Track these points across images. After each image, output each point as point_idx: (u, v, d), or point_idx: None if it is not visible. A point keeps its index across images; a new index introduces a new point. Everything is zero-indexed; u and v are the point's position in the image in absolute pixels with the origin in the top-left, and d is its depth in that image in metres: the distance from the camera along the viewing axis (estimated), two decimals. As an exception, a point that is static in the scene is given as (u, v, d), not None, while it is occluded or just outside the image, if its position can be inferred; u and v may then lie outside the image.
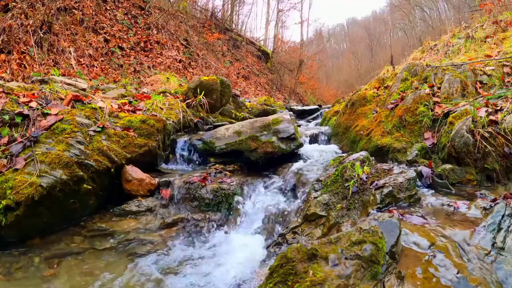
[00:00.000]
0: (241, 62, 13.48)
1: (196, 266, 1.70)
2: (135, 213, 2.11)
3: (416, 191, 1.78)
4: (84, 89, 3.14)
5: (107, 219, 2.06)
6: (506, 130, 1.97)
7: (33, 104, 2.23)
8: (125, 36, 7.59)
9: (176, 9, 10.66)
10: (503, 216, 1.37)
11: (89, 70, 5.92)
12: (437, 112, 2.48)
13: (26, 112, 2.13)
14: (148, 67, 7.46)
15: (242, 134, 2.89)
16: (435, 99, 2.63)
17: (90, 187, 2.02)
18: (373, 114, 3.14)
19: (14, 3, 5.35)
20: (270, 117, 3.08)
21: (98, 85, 4.53)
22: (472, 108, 2.22)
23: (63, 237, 1.86)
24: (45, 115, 2.18)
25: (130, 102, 3.18)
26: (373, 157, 2.35)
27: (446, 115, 2.37)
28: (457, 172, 2.07)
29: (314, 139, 3.73)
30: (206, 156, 2.92)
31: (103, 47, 6.72)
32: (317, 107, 7.15)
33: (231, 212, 2.20)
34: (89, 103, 2.51)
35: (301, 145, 2.94)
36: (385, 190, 1.75)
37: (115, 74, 6.41)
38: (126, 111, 2.77)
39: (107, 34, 7.10)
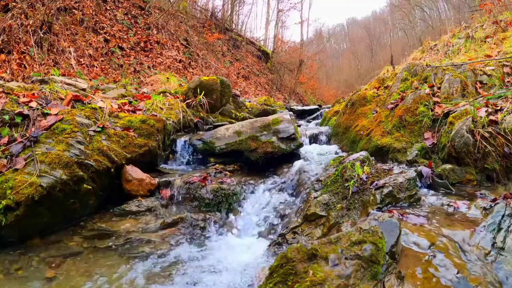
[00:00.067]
0: (241, 62, 13.48)
1: (196, 266, 1.70)
2: (135, 213, 2.11)
3: (416, 191, 1.78)
4: (84, 89, 3.14)
5: (107, 219, 2.06)
6: (506, 130, 1.97)
7: (33, 104, 2.23)
8: (125, 36, 7.59)
9: (176, 9, 10.66)
10: (503, 216, 1.37)
11: (89, 70, 5.92)
12: (437, 112, 2.48)
13: (26, 112, 2.13)
14: (148, 67, 7.46)
15: (242, 134, 2.89)
16: (435, 99, 2.63)
17: (90, 187, 2.02)
18: (373, 114, 3.14)
19: (14, 3, 5.35)
20: (270, 117, 3.08)
21: (98, 85, 4.53)
22: (472, 108, 2.22)
23: (63, 237, 1.86)
24: (45, 115, 2.18)
25: (130, 102, 3.18)
26: (373, 157, 2.35)
27: (446, 115, 2.37)
28: (457, 172, 2.07)
29: (314, 139, 3.73)
30: (206, 156, 2.92)
31: (103, 47, 6.72)
32: (317, 107, 7.15)
33: (231, 212, 2.20)
34: (89, 103, 2.51)
35: (301, 145, 2.94)
36: (385, 190, 1.75)
37: (115, 74, 6.41)
38: (126, 111, 2.77)
39: (107, 34, 7.10)
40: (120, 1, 8.43)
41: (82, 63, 5.93)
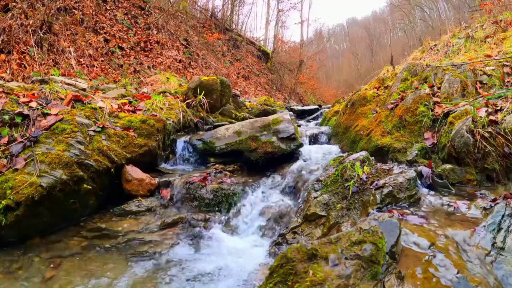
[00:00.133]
0: (241, 62, 13.48)
1: (196, 266, 1.70)
2: (135, 213, 2.11)
3: (416, 191, 1.78)
4: (84, 89, 3.14)
5: (107, 219, 2.06)
6: (506, 130, 1.97)
7: (33, 104, 2.23)
8: (125, 36, 7.59)
9: (176, 9, 10.66)
10: (503, 216, 1.37)
11: (89, 70, 5.92)
12: (437, 112, 2.48)
13: (26, 112, 2.13)
14: (148, 67, 7.46)
15: (242, 134, 2.89)
16: (435, 99, 2.63)
17: (90, 187, 2.02)
18: (373, 114, 3.14)
19: (14, 3, 5.35)
20: (270, 117, 3.08)
21: (98, 85, 4.53)
22: (472, 108, 2.22)
23: (63, 237, 1.86)
24: (45, 115, 2.18)
25: (130, 102, 3.18)
26: (373, 157, 2.35)
27: (446, 115, 2.36)
28: (457, 172, 2.07)
29: (314, 139, 3.73)
30: (206, 156, 2.92)
31: (103, 47, 6.72)
32: (317, 107, 7.15)
33: (231, 212, 2.20)
34: (89, 103, 2.51)
35: (301, 145, 2.94)
36: (385, 190, 1.75)
37: (115, 74, 6.41)
38: (126, 111, 2.77)
39: (107, 34, 7.10)
40: (120, 1, 8.43)
41: (82, 63, 5.93)
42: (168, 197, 2.25)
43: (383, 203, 1.72)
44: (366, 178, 1.90)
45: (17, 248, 1.73)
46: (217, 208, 2.21)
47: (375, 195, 1.75)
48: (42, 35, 5.24)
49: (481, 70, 2.81)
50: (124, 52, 7.21)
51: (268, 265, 1.48)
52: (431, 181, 2.01)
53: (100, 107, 2.51)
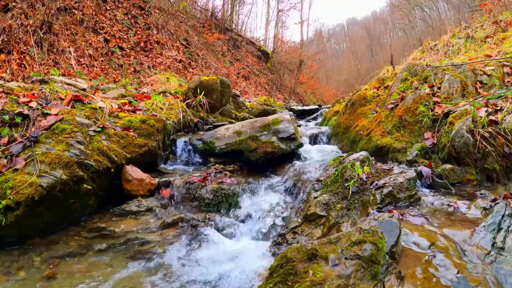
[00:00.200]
0: (241, 62, 13.48)
1: (195, 266, 1.70)
2: (135, 213, 2.11)
3: (416, 191, 1.78)
4: (84, 89, 3.14)
5: (107, 219, 2.06)
6: (506, 130, 1.97)
7: (33, 104, 2.23)
8: (125, 36, 7.59)
9: (176, 9, 10.66)
10: (503, 216, 1.37)
11: (89, 70, 5.92)
12: (437, 112, 2.48)
13: (26, 112, 2.13)
14: (148, 67, 7.46)
15: (242, 134, 2.89)
16: (435, 99, 2.63)
17: (90, 187, 2.02)
18: (373, 114, 3.14)
19: (14, 3, 5.35)
20: (270, 117, 3.08)
21: (98, 85, 4.53)
22: (472, 108, 2.22)
23: (63, 237, 1.86)
24: (45, 115, 2.18)
25: (130, 102, 3.18)
26: (373, 157, 2.35)
27: (446, 115, 2.37)
28: (457, 172, 2.07)
29: (314, 139, 3.73)
30: (206, 156, 2.92)
31: (103, 47, 6.72)
32: (317, 107, 7.15)
33: (231, 212, 2.20)
34: (89, 103, 2.51)
35: (301, 145, 2.94)
36: (385, 190, 1.75)
37: (115, 74, 6.41)
38: (126, 111, 2.77)
39: (107, 34, 7.10)
40: (120, 1, 8.43)
41: (82, 63, 5.93)
42: (168, 197, 2.25)
43: (383, 203, 1.72)
44: (366, 178, 1.90)
45: (17, 248, 1.73)
46: (217, 208, 2.21)
47: (375, 195, 1.75)
48: (42, 35, 5.24)
49: (481, 70, 2.81)
50: (124, 52, 7.21)
51: (268, 265, 1.48)
52: (431, 181, 2.01)
53: (100, 107, 2.51)
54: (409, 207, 1.70)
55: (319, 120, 5.28)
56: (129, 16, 8.32)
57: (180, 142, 3.00)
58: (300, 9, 25.87)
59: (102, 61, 6.47)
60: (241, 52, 14.15)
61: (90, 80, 5.28)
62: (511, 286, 1.11)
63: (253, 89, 12.35)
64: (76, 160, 1.97)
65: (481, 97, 2.48)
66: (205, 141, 2.91)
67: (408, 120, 2.60)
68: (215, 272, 1.64)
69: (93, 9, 7.15)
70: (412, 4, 22.69)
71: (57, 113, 2.19)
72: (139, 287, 1.51)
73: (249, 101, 5.50)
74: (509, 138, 1.95)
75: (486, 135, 2.01)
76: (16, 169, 1.79)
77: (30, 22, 5.15)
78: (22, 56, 4.87)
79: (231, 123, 3.59)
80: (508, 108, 2.11)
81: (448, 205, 1.67)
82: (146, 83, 6.22)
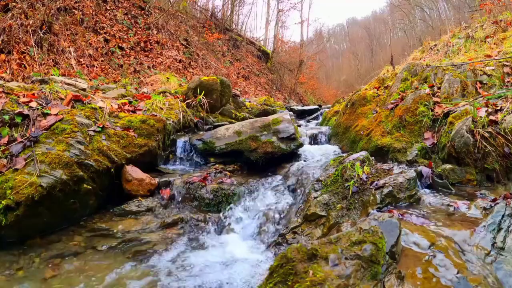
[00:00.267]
0: (241, 62, 13.48)
1: (195, 266, 1.70)
2: (135, 213, 2.11)
3: (416, 191, 1.78)
4: (84, 89, 3.14)
5: (107, 219, 2.06)
6: (506, 130, 1.97)
7: (33, 104, 2.23)
8: (125, 36, 7.59)
9: (176, 9, 10.66)
10: (503, 216, 1.37)
11: (89, 70, 5.92)
12: (437, 112, 2.48)
13: (26, 112, 2.13)
14: (148, 67, 7.46)
15: (242, 134, 2.89)
16: (435, 99, 2.63)
17: (90, 187, 2.02)
18: (373, 114, 3.14)
19: (14, 3, 5.35)
20: (270, 117, 3.08)
21: (98, 85, 4.53)
22: (472, 108, 2.22)
23: (63, 237, 1.86)
24: (45, 115, 2.18)
25: (130, 102, 3.18)
26: (373, 157, 2.35)
27: (446, 115, 2.37)
28: (457, 172, 2.07)
29: (314, 139, 3.73)
30: (206, 156, 2.92)
31: (103, 47, 6.72)
32: (317, 107, 7.15)
33: (231, 212, 2.20)
34: (89, 103, 2.51)
35: (301, 145, 2.94)
36: (385, 190, 1.75)
37: (115, 74, 6.41)
38: (126, 111, 2.77)
39: (107, 34, 7.10)
40: (120, 1, 8.43)
41: (82, 63, 5.93)
42: (168, 197, 2.25)
43: (383, 203, 1.72)
44: (366, 178, 1.90)
45: (17, 248, 1.73)
46: (217, 208, 2.21)
47: (375, 195, 1.75)
48: (42, 35, 5.24)
49: (481, 70, 2.81)
50: (124, 52, 7.21)
51: (268, 265, 1.48)
52: (431, 181, 2.01)
53: (100, 107, 2.51)
54: (409, 207, 1.70)
55: (319, 120, 5.28)
56: (129, 16, 8.32)
57: (180, 142, 3.00)
58: (300, 9, 25.90)
59: (102, 61, 6.47)
60: (241, 52, 14.15)
61: (90, 80, 5.28)
62: (511, 286, 1.11)
63: (253, 89, 12.35)
64: (76, 160, 1.97)
65: (481, 97, 2.48)
66: (205, 141, 2.91)
67: (408, 120, 2.60)
68: (215, 272, 1.64)
69: (93, 9, 7.14)
70: (412, 4, 22.69)
71: (57, 113, 2.19)
72: (138, 287, 1.51)
73: (249, 101, 5.50)
74: (509, 138, 1.95)
75: (486, 135, 2.01)
76: (16, 169, 1.79)
77: (30, 22, 5.15)
78: (22, 56, 4.87)
79: (231, 123, 3.59)
80: (508, 108, 2.11)
81: (448, 205, 1.67)
82: (146, 83, 6.22)
